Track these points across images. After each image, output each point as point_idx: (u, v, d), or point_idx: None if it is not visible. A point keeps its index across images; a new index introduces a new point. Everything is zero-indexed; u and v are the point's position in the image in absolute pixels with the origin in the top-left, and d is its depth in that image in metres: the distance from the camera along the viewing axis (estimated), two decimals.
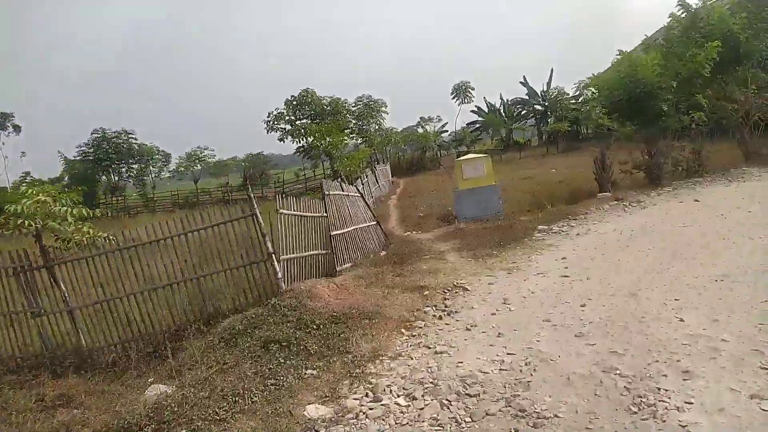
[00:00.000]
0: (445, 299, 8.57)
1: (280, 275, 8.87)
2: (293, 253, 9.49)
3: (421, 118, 67.42)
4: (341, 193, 11.79)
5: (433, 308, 8.20)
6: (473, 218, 13.97)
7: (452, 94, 53.47)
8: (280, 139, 42.81)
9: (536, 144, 63.57)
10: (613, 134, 24.09)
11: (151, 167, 43.98)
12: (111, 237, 9.49)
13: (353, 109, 46.62)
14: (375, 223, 13.82)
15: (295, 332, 7.28)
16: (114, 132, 43.64)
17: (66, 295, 9.28)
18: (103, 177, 43.69)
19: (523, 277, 9.29)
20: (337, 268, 10.69)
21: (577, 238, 11.73)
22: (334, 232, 10.84)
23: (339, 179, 11.81)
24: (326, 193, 10.86)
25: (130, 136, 43.84)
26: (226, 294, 9.29)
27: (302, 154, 46.85)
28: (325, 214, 10.74)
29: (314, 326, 7.46)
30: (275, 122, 43.40)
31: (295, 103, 43.64)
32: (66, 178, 45.31)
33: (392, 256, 11.71)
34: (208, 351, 7.50)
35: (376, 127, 48.12)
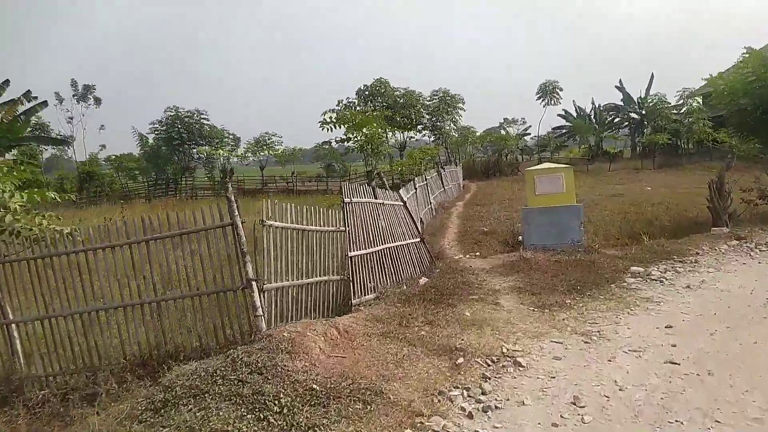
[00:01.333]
0: (485, 378, 5.79)
1: (259, 311, 6.44)
2: (286, 280, 7.03)
3: (504, 119, 63.66)
4: (371, 200, 9.22)
5: (464, 394, 5.45)
6: (544, 247, 10.97)
7: (538, 94, 49.48)
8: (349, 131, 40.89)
9: (629, 156, 58.08)
10: (733, 153, 19.75)
11: (220, 150, 43.38)
12: (70, 231, 7.42)
13: (428, 103, 43.84)
14: (419, 240, 11.15)
15: (242, 418, 4.80)
16: (187, 111, 43.47)
17: (2, 303, 7.33)
18: (175, 156, 43.53)
19: (607, 353, 6.32)
20: (353, 301, 8.15)
21: (687, 294, 8.50)
22: (354, 253, 8.30)
23: (374, 181, 9.19)
24: (347, 200, 8.32)
25: (203, 116, 43.48)
26: (192, 329, 6.99)
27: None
28: (342, 228, 8.22)
29: (275, 408, 4.95)
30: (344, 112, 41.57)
31: (367, 93, 41.51)
32: (138, 155, 45.77)
33: (431, 289, 8.99)
34: (124, 423, 5.20)
35: (451, 125, 45.10)
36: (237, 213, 6.56)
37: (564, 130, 63.91)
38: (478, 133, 48.77)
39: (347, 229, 8.22)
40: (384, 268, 9.32)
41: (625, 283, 9.17)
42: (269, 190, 41.45)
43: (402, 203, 10.99)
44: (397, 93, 41.90)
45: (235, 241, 6.52)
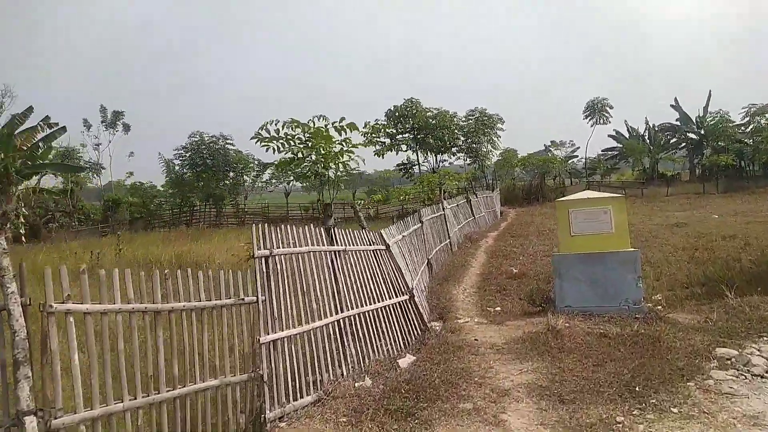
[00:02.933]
0: None
1: None
2: (116, 403, 4.12)
3: (552, 141, 59.80)
4: (318, 249, 6.25)
5: None
6: (584, 311, 7.69)
7: (585, 112, 45.68)
8: (378, 154, 38.25)
9: (687, 179, 53.17)
10: None
11: (245, 176, 41.57)
12: None
13: (462, 123, 40.79)
14: (407, 298, 8.07)
15: None
16: (212, 136, 41.91)
17: None
18: (200, 183, 41.96)
19: None
20: (270, 414, 5.14)
21: None
22: (272, 336, 5.32)
23: (331, 218, 6.22)
24: (261, 252, 5.39)
25: (228, 141, 41.83)
26: None
27: (402, 172, 41.83)
28: (252, 298, 5.28)
29: None
30: (372, 134, 38.90)
31: (397, 114, 38.85)
32: (164, 182, 44.54)
33: (404, 385, 5.88)
34: None
35: (489, 147, 41.82)
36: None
37: (615, 152, 59.48)
38: (518, 153, 45.25)
39: (263, 298, 5.28)
40: (341, 348, 6.32)
41: (711, 381, 5.81)
42: (294, 217, 39.20)
43: (383, 247, 7.99)
44: (429, 114, 39.08)
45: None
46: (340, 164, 6.96)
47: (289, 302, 5.61)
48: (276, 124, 6.90)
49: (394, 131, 39.50)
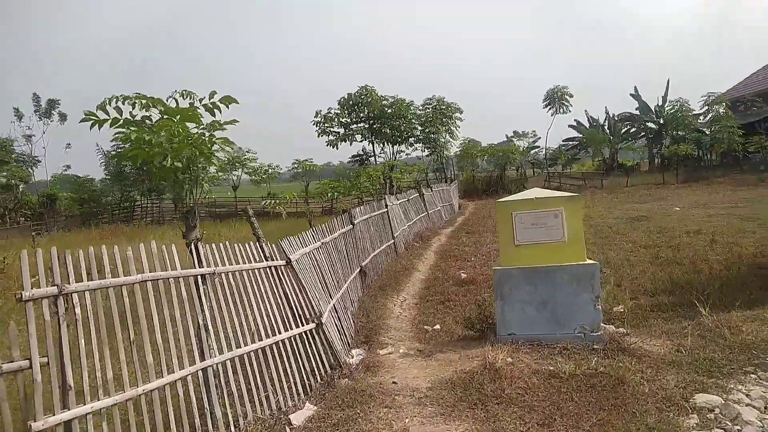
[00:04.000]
0: None
1: None
2: None
3: (514, 132, 58.86)
4: (164, 275, 4.50)
5: None
6: (531, 340, 6.15)
7: (545, 101, 44.64)
8: (331, 144, 36.29)
9: (647, 169, 52.97)
10: None
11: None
12: None
13: (420, 112, 39.13)
14: (315, 325, 6.38)
15: None
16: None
17: None
18: (142, 177, 39.19)
19: None
20: None
21: None
22: (51, 421, 3.56)
23: (195, 227, 4.43)
24: (43, 293, 3.61)
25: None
26: None
27: (357, 163, 39.98)
28: (24, 363, 3.51)
29: None
30: (325, 124, 36.96)
31: (351, 102, 36.94)
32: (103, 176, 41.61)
33: None
34: None
35: (447, 137, 40.31)
36: None
37: (575, 142, 59.00)
38: (479, 143, 43.93)
39: (42, 360, 3.52)
40: (206, 410, 4.61)
41: None
42: (242, 213, 36.92)
43: (283, 262, 6.28)
44: (385, 102, 37.28)
45: None
46: (207, 155, 5.16)
47: (100, 358, 3.85)
48: (117, 102, 5.10)
49: (348, 120, 37.61)
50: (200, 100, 5.33)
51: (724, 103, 45.06)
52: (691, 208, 24.13)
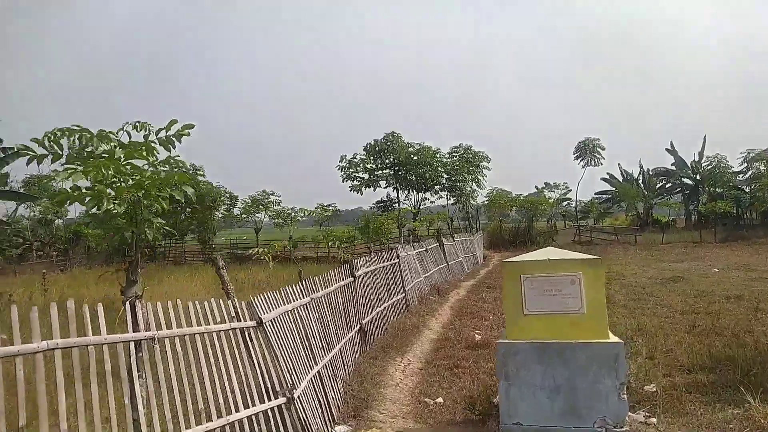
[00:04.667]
0: None
1: None
2: None
3: (545, 183, 57.70)
4: (71, 343, 3.69)
5: None
6: None
7: (575, 153, 43.68)
8: (356, 189, 35.85)
9: (683, 226, 50.95)
10: None
11: (215, 211, 38.95)
12: None
13: (446, 160, 38.55)
14: (283, 402, 5.45)
15: None
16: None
17: None
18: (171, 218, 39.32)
19: None
20: None
21: None
22: None
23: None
24: None
25: (198, 172, 39.32)
26: None
27: (380, 209, 39.29)
28: None
29: None
30: (350, 169, 36.64)
31: (377, 148, 36.63)
32: None
33: None
34: None
35: (474, 186, 39.49)
36: None
37: (608, 196, 57.46)
38: (509, 197, 42.92)
39: None
40: None
41: None
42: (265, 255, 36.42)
43: (252, 324, 5.43)
44: (411, 149, 36.88)
45: None
46: (154, 197, 4.44)
47: None
48: (59, 137, 4.44)
49: (374, 166, 37.24)
50: (157, 132, 4.65)
51: (765, 160, 43.38)
52: (731, 269, 22.52)
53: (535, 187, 58.68)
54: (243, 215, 38.77)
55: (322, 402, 6.38)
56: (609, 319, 13.09)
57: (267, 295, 6.04)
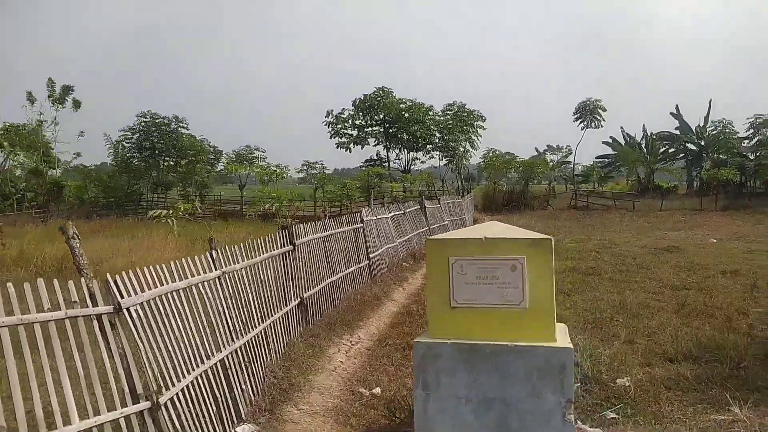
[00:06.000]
0: None
1: None
2: None
3: (548, 146, 55.98)
4: None
5: None
6: None
7: (575, 114, 41.85)
8: (344, 147, 34.31)
9: (684, 192, 49.55)
10: None
11: (198, 165, 37.59)
12: None
13: (439, 119, 36.81)
14: (136, 411, 4.35)
15: None
16: (164, 118, 37.85)
17: None
18: (151, 170, 38.04)
19: None
20: None
21: None
22: None
23: None
24: None
25: (181, 125, 37.81)
26: None
27: (371, 168, 37.83)
28: None
29: None
30: (337, 125, 35.00)
31: (366, 104, 34.87)
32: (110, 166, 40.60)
33: None
34: None
35: (467, 146, 37.87)
36: None
37: (609, 160, 55.85)
38: (505, 159, 41.33)
39: None
40: None
41: None
42: (249, 212, 35.38)
43: (110, 309, 4.27)
44: (403, 105, 35.12)
45: None
46: None
47: None
48: None
49: (363, 123, 35.60)
50: None
51: None
52: (730, 240, 21.39)
53: (536, 149, 57.06)
54: (226, 171, 37.48)
55: (220, 398, 5.30)
56: (592, 292, 12.09)
57: (147, 271, 4.86)
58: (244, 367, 5.99)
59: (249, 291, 6.67)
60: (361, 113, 35.30)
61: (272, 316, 7.14)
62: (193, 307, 5.42)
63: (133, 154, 38.20)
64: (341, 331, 8.74)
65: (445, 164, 39.11)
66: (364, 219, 12.22)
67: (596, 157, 57.13)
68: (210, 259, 5.99)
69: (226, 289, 6.13)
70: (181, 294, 5.27)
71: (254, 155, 36.74)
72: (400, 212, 16.99)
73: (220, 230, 21.33)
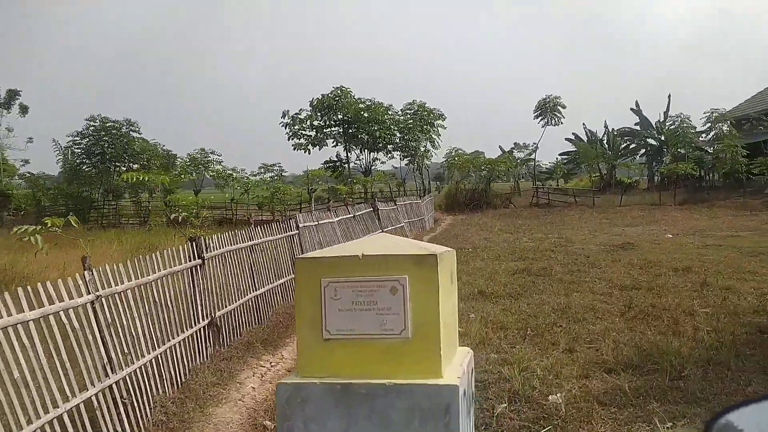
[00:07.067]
0: None
1: None
2: None
3: (515, 144, 55.81)
4: None
5: None
6: None
7: (536, 111, 41.81)
8: (302, 148, 33.42)
9: (645, 187, 50.05)
10: None
11: (152, 169, 36.24)
12: None
13: (399, 118, 36.23)
14: None
15: None
16: (114, 121, 36.33)
17: None
18: (100, 176, 36.46)
19: None
20: None
21: None
22: None
23: None
24: None
25: (132, 128, 36.38)
26: None
27: (330, 170, 37.02)
28: None
29: None
30: (294, 126, 34.12)
31: (324, 104, 34.08)
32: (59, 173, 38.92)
33: None
34: None
35: (428, 146, 37.38)
36: None
37: (571, 156, 56.10)
38: (465, 157, 40.93)
39: None
40: None
41: None
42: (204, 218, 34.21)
43: None
44: (362, 105, 34.45)
45: None
46: None
47: None
48: None
49: (321, 123, 34.78)
50: None
51: (728, 121, 42.31)
52: (686, 234, 21.32)
53: (499, 147, 56.96)
54: (181, 175, 36.17)
55: None
56: (539, 296, 11.59)
57: None
58: (122, 404, 5.22)
59: (138, 315, 5.89)
60: (318, 113, 34.51)
61: (170, 340, 6.37)
62: (49, 341, 4.64)
63: (83, 160, 36.63)
64: (262, 351, 7.99)
65: (406, 164, 38.60)
66: (300, 225, 11.47)
67: (559, 154, 57.40)
68: (82, 281, 5.21)
69: (102, 315, 5.34)
70: (31, 327, 4.47)
71: (209, 159, 35.63)
72: (349, 216, 16.29)
73: (107, 244, 19.81)
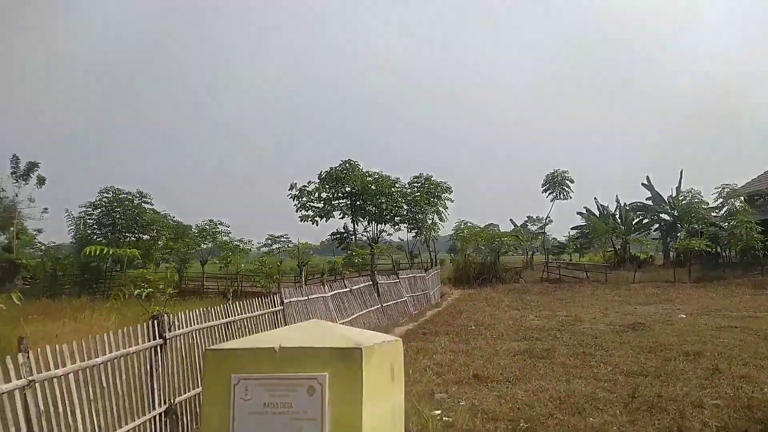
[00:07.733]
0: None
1: None
2: None
3: (528, 217, 55.58)
4: None
5: None
6: None
7: (544, 185, 41.75)
8: (310, 220, 33.50)
9: (660, 263, 48.94)
10: None
11: (161, 241, 36.41)
12: None
13: (406, 191, 36.40)
14: None
15: None
16: (127, 193, 36.99)
17: None
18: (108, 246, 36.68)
19: None
20: None
21: None
22: None
23: None
24: None
25: (145, 200, 36.92)
26: None
27: (337, 242, 36.90)
28: None
29: None
30: (302, 198, 34.38)
31: (333, 176, 34.45)
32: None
33: None
34: None
35: (435, 218, 37.25)
36: None
37: (583, 230, 55.45)
38: (476, 226, 40.63)
39: None
40: None
41: None
42: (210, 289, 33.95)
43: None
44: (369, 178, 34.76)
45: None
46: None
47: None
48: None
49: (329, 196, 35.02)
50: None
51: (741, 197, 41.77)
52: (700, 314, 20.34)
53: (510, 220, 56.65)
54: (190, 247, 36.22)
55: None
56: (538, 382, 10.87)
57: None
58: None
59: (79, 401, 5.43)
60: (326, 185, 34.87)
61: (116, 430, 5.85)
62: None
63: (94, 231, 36.98)
64: None
65: (413, 237, 38.39)
66: (285, 301, 11.04)
67: (571, 228, 56.84)
68: (13, 365, 4.81)
69: (34, 403, 4.90)
70: None
71: (217, 229, 35.82)
72: (345, 290, 15.83)
73: (105, 316, 19.04)
